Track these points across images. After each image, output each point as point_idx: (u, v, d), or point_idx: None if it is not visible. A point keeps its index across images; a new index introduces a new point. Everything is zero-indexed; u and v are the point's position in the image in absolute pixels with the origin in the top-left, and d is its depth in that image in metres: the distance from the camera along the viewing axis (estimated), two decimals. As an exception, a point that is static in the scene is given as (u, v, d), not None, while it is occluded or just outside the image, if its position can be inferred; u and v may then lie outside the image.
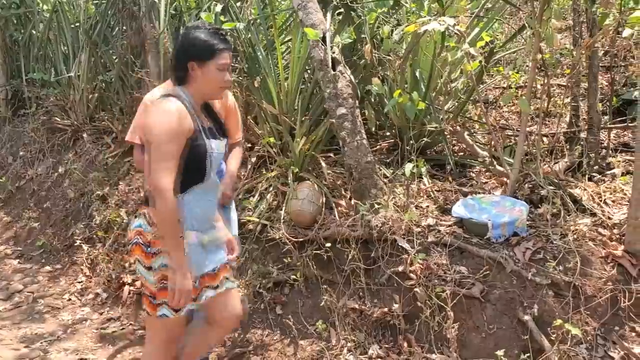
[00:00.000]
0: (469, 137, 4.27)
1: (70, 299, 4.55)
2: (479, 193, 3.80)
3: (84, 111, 6.47)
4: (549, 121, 4.79)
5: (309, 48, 4.02)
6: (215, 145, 2.46)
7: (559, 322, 2.78)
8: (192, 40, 2.40)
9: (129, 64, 5.90)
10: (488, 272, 3.17)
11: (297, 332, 3.49)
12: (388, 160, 4.35)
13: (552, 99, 4.63)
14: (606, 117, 4.54)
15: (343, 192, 4.02)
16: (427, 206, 3.71)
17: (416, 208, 3.68)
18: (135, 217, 2.51)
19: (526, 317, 2.98)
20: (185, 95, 2.42)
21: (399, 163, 4.04)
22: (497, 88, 5.64)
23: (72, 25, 6.78)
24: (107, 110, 6.38)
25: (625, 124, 4.40)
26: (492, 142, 3.94)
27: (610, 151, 4.26)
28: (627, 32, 3.50)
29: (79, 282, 4.74)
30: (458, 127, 4.09)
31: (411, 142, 3.67)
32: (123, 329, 4.06)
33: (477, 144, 4.35)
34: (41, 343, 3.92)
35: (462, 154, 4.51)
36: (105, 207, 5.08)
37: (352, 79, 3.82)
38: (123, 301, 4.32)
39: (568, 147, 4.29)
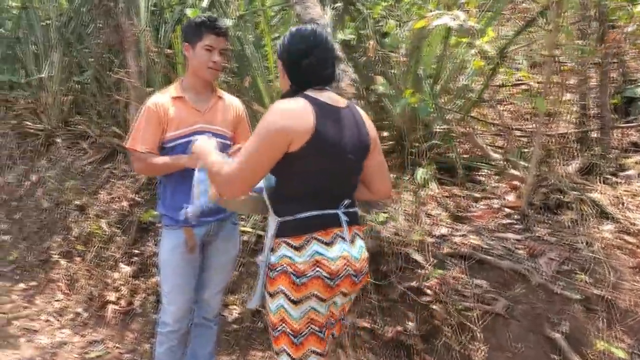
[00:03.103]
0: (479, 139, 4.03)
1: (47, 320, 4.17)
2: (492, 199, 3.56)
3: (58, 114, 6.09)
4: (555, 120, 4.58)
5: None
6: None
7: (599, 343, 2.55)
8: None
9: (106, 63, 5.54)
10: (511, 286, 2.93)
11: (302, 354, 3.19)
12: (389, 164, 4.08)
13: (558, 98, 4.41)
14: (615, 116, 4.35)
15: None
16: (439, 214, 3.45)
17: (427, 216, 3.43)
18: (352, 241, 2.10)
19: (556, 335, 2.74)
20: None
21: (405, 167, 3.77)
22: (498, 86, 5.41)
23: (43, 23, 6.36)
24: (83, 113, 6.00)
25: (637, 123, 4.20)
26: (507, 144, 3.71)
27: (620, 151, 4.06)
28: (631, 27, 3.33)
29: (57, 301, 4.35)
30: (471, 129, 3.85)
31: (417, 144, 3.42)
32: (108, 352, 3.71)
33: (487, 146, 4.11)
34: (17, 371, 3.56)
35: (466, 156, 4.26)
36: (84, 218, 4.71)
37: (354, 78, 3.55)
38: (107, 321, 3.97)
39: (578, 147, 4.08)
